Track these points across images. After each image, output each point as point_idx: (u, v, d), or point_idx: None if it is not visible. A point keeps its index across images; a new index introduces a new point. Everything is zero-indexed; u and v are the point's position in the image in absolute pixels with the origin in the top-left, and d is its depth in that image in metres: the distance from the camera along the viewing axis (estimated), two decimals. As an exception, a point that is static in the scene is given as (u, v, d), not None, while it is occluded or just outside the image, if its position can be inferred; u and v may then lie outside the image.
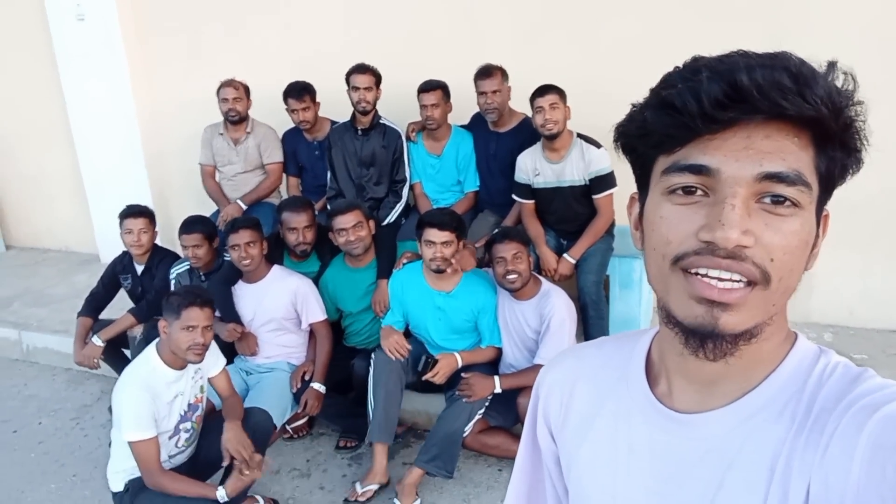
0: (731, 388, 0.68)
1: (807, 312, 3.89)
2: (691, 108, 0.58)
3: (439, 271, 3.01)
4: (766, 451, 0.64)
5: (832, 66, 0.59)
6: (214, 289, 3.30)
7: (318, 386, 3.20)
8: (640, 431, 0.73)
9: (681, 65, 0.62)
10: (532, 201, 3.54)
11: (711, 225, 0.59)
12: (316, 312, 3.32)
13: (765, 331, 0.63)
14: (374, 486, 2.93)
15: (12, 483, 3.17)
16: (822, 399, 0.63)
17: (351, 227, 3.24)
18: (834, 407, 0.62)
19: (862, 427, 0.58)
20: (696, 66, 0.60)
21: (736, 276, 0.59)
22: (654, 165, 0.66)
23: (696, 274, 0.60)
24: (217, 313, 3.22)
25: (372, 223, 3.40)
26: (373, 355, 3.07)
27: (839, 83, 0.59)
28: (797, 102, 0.56)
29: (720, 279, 0.59)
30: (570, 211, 3.45)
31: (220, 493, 2.51)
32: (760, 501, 0.62)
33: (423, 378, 3.02)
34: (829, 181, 0.63)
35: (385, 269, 3.38)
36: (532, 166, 3.45)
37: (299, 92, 4.00)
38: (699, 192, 0.61)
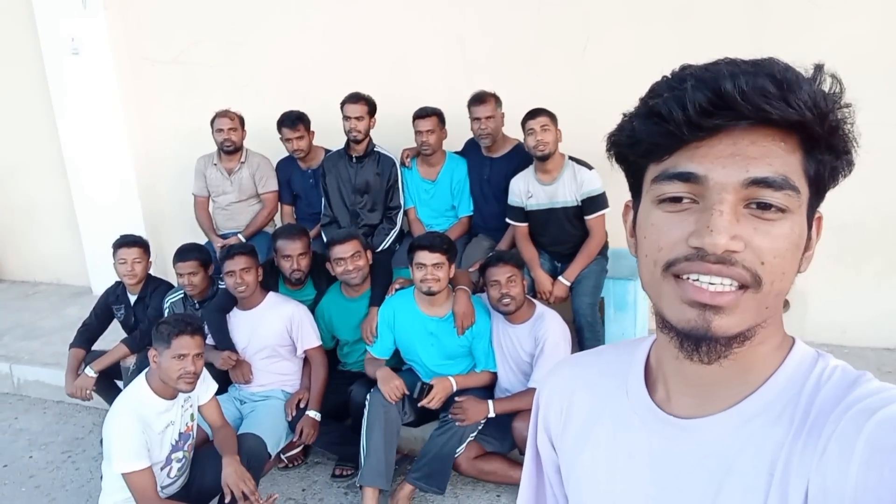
0: (728, 393, 0.68)
1: (801, 331, 3.85)
2: (677, 117, 0.59)
3: (430, 293, 3.00)
4: (764, 454, 0.64)
5: (818, 69, 0.60)
6: (209, 316, 3.29)
7: (313, 414, 3.16)
8: (639, 437, 0.74)
9: (669, 74, 0.64)
10: (525, 224, 3.56)
11: (700, 231, 0.60)
12: (311, 339, 3.30)
13: (759, 334, 0.64)
14: None
15: (2, 518, 3.11)
16: (820, 402, 0.63)
17: (349, 257, 3.23)
18: (832, 410, 0.62)
19: (860, 430, 0.58)
20: (683, 75, 0.62)
21: (727, 281, 0.60)
22: (645, 174, 0.67)
23: (688, 279, 0.61)
24: (210, 341, 3.21)
25: (370, 253, 3.39)
26: (368, 396, 2.99)
27: (826, 87, 0.60)
28: (781, 107, 0.57)
29: (711, 283, 0.60)
30: (564, 233, 3.47)
31: None
32: None
33: (420, 405, 2.99)
34: (819, 184, 0.63)
35: (378, 296, 3.36)
36: (525, 189, 3.48)
37: (293, 121, 4.03)
38: (687, 200, 0.62)
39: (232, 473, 2.60)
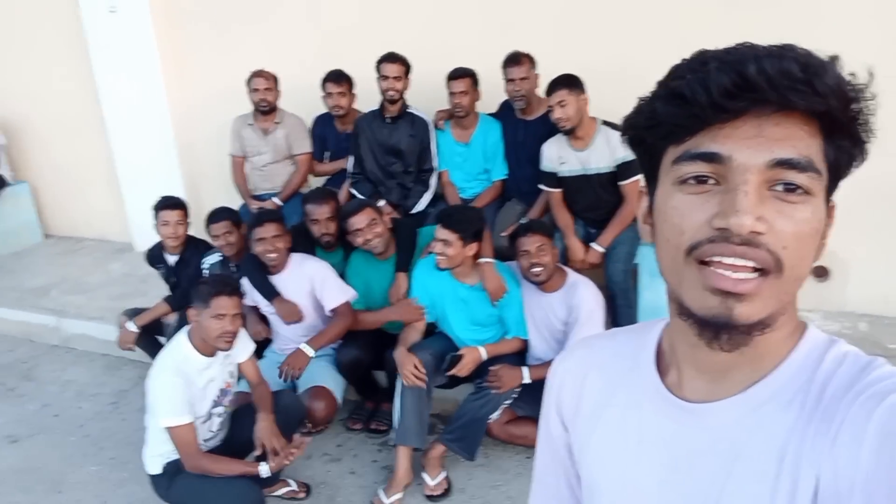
0: (740, 378, 0.68)
1: (842, 302, 3.83)
2: (701, 99, 0.59)
3: (438, 268, 3.02)
4: (775, 440, 0.64)
5: (834, 59, 0.59)
6: (248, 270, 3.34)
7: (305, 348, 3.14)
8: (650, 420, 0.75)
9: (687, 57, 0.63)
10: (559, 190, 3.53)
11: (725, 212, 0.59)
12: (335, 296, 3.25)
13: (778, 320, 0.64)
14: (400, 495, 2.89)
15: (53, 465, 3.27)
16: (832, 388, 0.64)
17: (365, 227, 3.21)
18: (843, 395, 0.62)
19: (871, 415, 0.58)
20: (704, 59, 0.61)
21: (750, 264, 0.59)
22: (664, 156, 0.66)
23: (710, 264, 0.61)
24: (248, 301, 3.28)
25: (387, 218, 3.37)
26: None
27: (845, 76, 0.59)
28: (806, 93, 0.57)
29: (735, 267, 0.60)
30: (598, 199, 3.43)
31: (263, 468, 2.59)
32: (769, 490, 0.63)
33: (449, 374, 3.02)
34: (836, 170, 0.63)
35: (403, 261, 3.36)
36: (557, 154, 3.44)
37: (338, 77, 4.05)
38: (711, 181, 0.62)
39: (265, 428, 2.69)
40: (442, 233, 2.95)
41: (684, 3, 3.64)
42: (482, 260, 3.09)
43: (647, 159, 0.69)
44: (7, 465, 3.29)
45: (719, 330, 0.62)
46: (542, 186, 3.59)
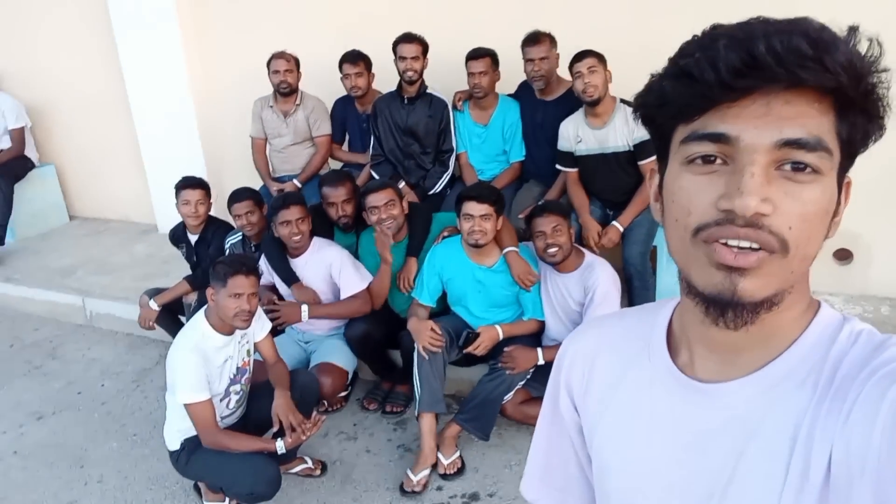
0: (753, 358, 0.67)
1: (864, 285, 3.76)
2: (709, 77, 0.58)
3: (477, 245, 3.00)
4: (788, 419, 0.64)
5: (853, 30, 0.58)
6: (269, 252, 3.38)
7: (303, 309, 3.24)
8: (662, 401, 0.74)
9: (699, 34, 0.62)
10: (575, 170, 3.50)
11: (730, 193, 0.59)
12: (354, 283, 3.28)
13: (786, 299, 0.63)
14: (427, 471, 2.90)
15: (77, 441, 3.35)
16: (846, 367, 0.63)
17: (383, 206, 3.22)
18: (857, 374, 0.61)
19: (885, 393, 0.58)
20: (714, 35, 0.60)
21: (755, 245, 0.59)
22: (673, 135, 0.66)
23: (716, 244, 0.60)
24: (265, 280, 3.31)
25: (405, 202, 3.38)
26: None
27: (862, 49, 0.57)
28: (816, 70, 0.55)
29: (739, 249, 0.59)
30: (615, 179, 3.40)
31: (279, 444, 2.63)
32: (783, 469, 0.63)
33: (465, 351, 3.04)
34: (850, 147, 0.62)
35: (415, 246, 3.37)
36: (574, 133, 3.41)
37: (354, 57, 4.04)
38: (718, 161, 0.61)
39: (283, 405, 2.73)
40: (479, 208, 2.94)
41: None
42: (507, 249, 3.09)
43: (658, 138, 0.69)
44: (33, 441, 3.37)
45: (725, 307, 0.62)
46: (558, 166, 3.56)
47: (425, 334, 2.97)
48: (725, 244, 0.60)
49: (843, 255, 3.71)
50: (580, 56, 3.25)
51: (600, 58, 3.24)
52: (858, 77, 0.57)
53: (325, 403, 3.41)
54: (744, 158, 0.59)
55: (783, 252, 0.59)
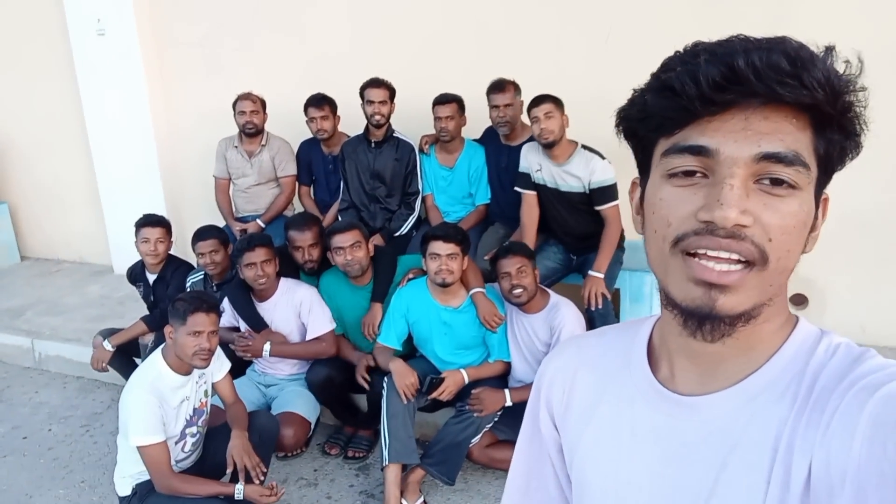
0: (732, 370, 0.68)
1: (819, 329, 3.84)
2: (689, 91, 0.59)
3: (444, 285, 2.99)
4: (768, 431, 0.64)
5: (830, 49, 0.60)
6: (235, 297, 3.33)
7: (266, 347, 3.22)
8: (643, 415, 0.74)
9: (681, 49, 0.64)
10: (533, 192, 3.54)
11: (710, 205, 0.60)
12: (321, 324, 3.27)
13: (763, 312, 0.64)
14: None
15: (21, 488, 3.18)
16: (824, 379, 0.63)
17: (348, 247, 3.20)
18: (836, 386, 0.62)
19: (863, 405, 0.58)
20: (696, 51, 0.61)
21: (734, 256, 0.60)
22: (655, 149, 0.67)
23: (696, 255, 0.61)
24: (224, 321, 3.24)
25: (371, 244, 3.38)
26: (385, 381, 2.99)
27: (840, 67, 0.59)
28: (794, 86, 0.57)
29: (719, 259, 0.60)
30: (572, 219, 3.46)
31: (238, 489, 2.53)
32: (763, 481, 0.63)
33: (430, 398, 2.99)
34: (828, 163, 0.63)
35: (380, 291, 3.35)
36: (536, 159, 3.47)
37: (319, 101, 4.06)
38: (699, 175, 0.62)
39: (238, 446, 2.64)
40: (446, 247, 2.95)
41: (671, 36, 3.71)
42: (474, 290, 3.08)
43: (640, 151, 0.70)
44: (-28, 488, 3.19)
45: (702, 320, 0.62)
46: (517, 188, 3.60)
47: (409, 380, 2.91)
48: (706, 255, 0.60)
49: (799, 301, 3.80)
50: (537, 101, 3.32)
51: (557, 102, 3.30)
52: (836, 94, 0.59)
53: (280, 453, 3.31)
54: (723, 171, 0.60)
55: (763, 264, 0.60)
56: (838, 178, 0.66)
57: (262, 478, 2.60)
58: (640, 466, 0.72)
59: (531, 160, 3.49)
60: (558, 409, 0.84)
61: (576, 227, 3.47)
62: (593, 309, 3.25)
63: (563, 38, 4.05)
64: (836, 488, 0.57)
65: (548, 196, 3.47)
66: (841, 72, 0.59)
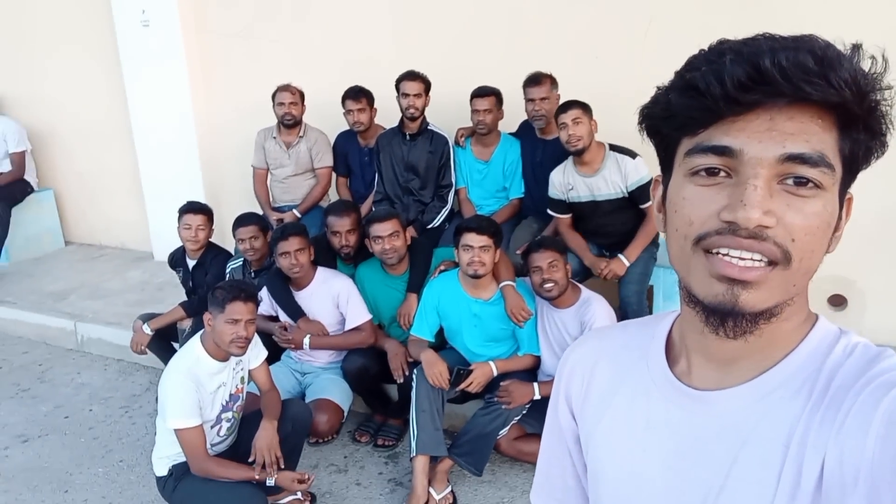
0: (749, 367, 0.68)
1: (858, 331, 3.72)
2: (714, 91, 0.59)
3: (476, 276, 3.01)
4: (781, 427, 0.64)
5: (857, 48, 0.59)
6: (274, 287, 3.38)
7: (306, 340, 3.28)
8: (658, 408, 0.75)
9: (706, 48, 0.63)
10: (568, 216, 3.53)
11: (733, 205, 0.60)
12: (359, 314, 3.31)
13: (785, 310, 0.64)
14: None
15: (62, 465, 3.29)
16: (841, 377, 0.64)
17: (387, 236, 3.24)
18: (851, 385, 0.62)
19: (878, 403, 0.58)
20: (721, 49, 0.61)
21: (757, 256, 0.60)
22: (678, 148, 0.67)
23: (718, 253, 0.61)
24: (262, 310, 3.30)
25: (409, 234, 3.39)
26: (415, 372, 3.02)
27: (866, 66, 0.59)
28: (821, 86, 0.57)
29: (741, 258, 0.60)
30: (609, 225, 3.43)
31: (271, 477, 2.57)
32: (775, 476, 0.63)
33: (458, 389, 3.01)
34: (852, 163, 0.63)
35: (416, 282, 3.37)
36: (564, 181, 3.44)
37: (356, 93, 4.10)
38: (722, 174, 0.62)
39: (263, 437, 2.65)
40: (479, 239, 2.96)
41: (715, 27, 3.66)
42: (504, 283, 3.09)
43: (663, 149, 0.70)
44: (17, 464, 3.31)
45: (725, 317, 0.63)
46: (550, 212, 3.59)
47: (436, 371, 2.93)
48: (727, 255, 0.60)
49: (838, 301, 3.73)
50: (565, 107, 3.28)
51: (585, 108, 3.26)
52: (862, 93, 0.58)
53: (313, 439, 3.36)
54: (747, 171, 0.60)
55: (785, 264, 0.60)
56: (880, 178, 0.66)
57: (274, 475, 2.62)
58: (654, 458, 0.73)
59: (560, 183, 3.46)
60: (577, 400, 0.85)
61: (611, 229, 3.45)
62: (600, 278, 3.27)
63: (601, 30, 4.01)
64: (849, 486, 0.58)
65: (585, 209, 3.45)
66: (868, 70, 0.59)
